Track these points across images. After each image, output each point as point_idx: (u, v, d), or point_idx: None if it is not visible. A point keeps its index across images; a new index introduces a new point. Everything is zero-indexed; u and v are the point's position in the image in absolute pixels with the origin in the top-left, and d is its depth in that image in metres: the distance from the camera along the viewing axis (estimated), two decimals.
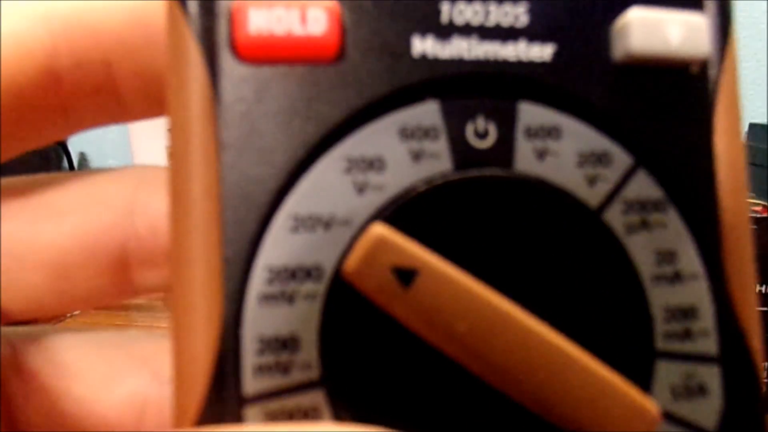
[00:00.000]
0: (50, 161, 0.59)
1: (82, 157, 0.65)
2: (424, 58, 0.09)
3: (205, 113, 0.09)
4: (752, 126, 0.52)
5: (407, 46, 0.09)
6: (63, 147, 0.62)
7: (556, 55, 0.09)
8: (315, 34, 0.09)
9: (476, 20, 0.09)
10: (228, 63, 0.09)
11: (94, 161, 0.66)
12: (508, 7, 0.09)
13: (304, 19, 0.09)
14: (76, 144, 0.65)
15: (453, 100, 0.09)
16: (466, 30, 0.09)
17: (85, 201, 0.11)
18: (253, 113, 0.09)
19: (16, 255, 0.10)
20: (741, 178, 0.10)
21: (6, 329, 0.11)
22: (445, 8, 0.09)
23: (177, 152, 0.09)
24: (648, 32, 0.09)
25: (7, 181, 0.11)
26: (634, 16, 0.09)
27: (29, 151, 0.11)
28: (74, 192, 0.11)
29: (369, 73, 0.09)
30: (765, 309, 0.34)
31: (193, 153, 0.09)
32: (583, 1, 0.09)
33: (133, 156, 0.62)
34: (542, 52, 0.09)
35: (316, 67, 0.09)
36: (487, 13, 0.09)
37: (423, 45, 0.09)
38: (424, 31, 0.09)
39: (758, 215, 0.34)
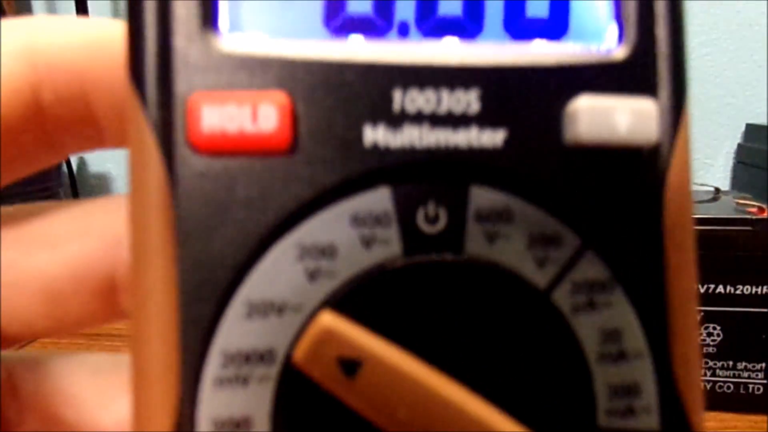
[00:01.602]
0: (50, 167, 0.59)
1: (81, 162, 0.65)
2: (375, 147, 0.09)
3: (161, 203, 0.09)
4: (749, 127, 0.52)
5: (359, 135, 0.09)
6: None
7: (508, 139, 0.09)
8: (266, 130, 0.09)
9: (428, 108, 0.09)
10: (183, 154, 0.09)
11: (93, 166, 0.66)
12: (460, 94, 0.09)
13: (255, 117, 0.09)
14: None
15: (404, 187, 0.09)
16: (418, 118, 0.09)
17: (77, 231, 0.11)
18: (209, 203, 0.09)
19: (13, 282, 0.11)
20: (690, 257, 0.10)
21: (2, 353, 0.12)
22: (397, 97, 0.09)
23: (136, 238, 0.09)
24: (596, 120, 0.09)
25: (6, 210, 0.12)
26: (583, 104, 0.09)
27: None
28: (66, 222, 0.11)
29: (321, 162, 0.09)
30: (765, 310, 0.34)
31: (150, 241, 0.09)
32: (534, 86, 0.09)
33: None
34: (493, 137, 0.09)
35: (269, 158, 0.09)
36: (439, 101, 0.09)
37: (374, 134, 0.09)
38: (375, 120, 0.09)
39: (754, 216, 0.34)
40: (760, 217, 0.34)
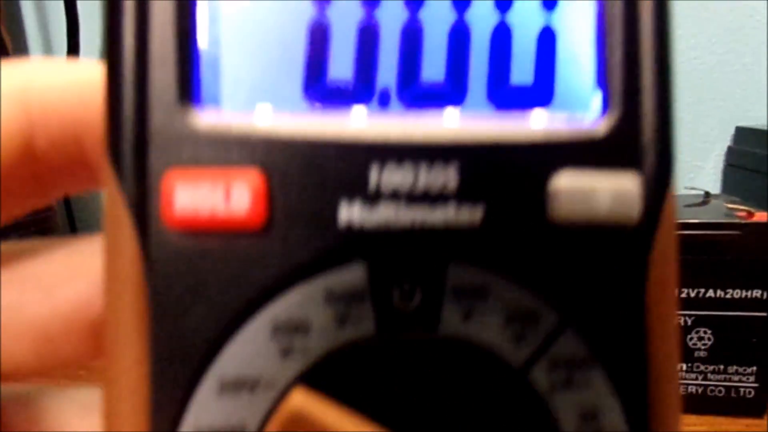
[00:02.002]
0: None
1: None
2: (350, 225, 0.09)
3: (135, 279, 0.09)
4: (739, 129, 0.52)
5: (334, 213, 0.09)
6: None
7: (486, 217, 0.09)
8: (238, 211, 0.09)
9: (405, 185, 0.09)
10: (157, 231, 0.09)
11: None
12: (438, 171, 0.09)
13: (228, 197, 0.09)
14: None
15: (380, 264, 0.09)
16: (394, 196, 0.09)
17: (67, 273, 0.11)
18: (182, 279, 0.09)
19: (3, 324, 0.11)
20: (673, 331, 0.10)
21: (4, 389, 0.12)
22: (373, 174, 0.09)
23: (110, 313, 0.09)
24: (576, 199, 0.09)
25: None
26: (563, 182, 0.09)
27: None
28: (57, 263, 0.11)
29: (295, 240, 0.09)
30: (755, 314, 0.34)
31: (123, 316, 0.09)
32: (514, 163, 0.09)
33: None
34: (471, 215, 0.09)
35: (244, 235, 0.09)
36: (416, 178, 0.09)
37: (349, 213, 0.09)
38: (351, 199, 0.09)
39: (743, 221, 0.34)
40: (749, 221, 0.34)
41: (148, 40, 0.09)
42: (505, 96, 0.10)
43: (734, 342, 0.35)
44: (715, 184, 0.55)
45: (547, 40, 0.10)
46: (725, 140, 0.53)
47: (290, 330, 0.09)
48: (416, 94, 0.10)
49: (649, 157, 0.09)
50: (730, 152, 0.53)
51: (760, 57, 0.51)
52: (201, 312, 0.09)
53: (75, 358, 0.12)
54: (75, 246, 0.12)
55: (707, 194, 0.41)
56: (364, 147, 0.09)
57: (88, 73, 0.11)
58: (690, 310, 0.35)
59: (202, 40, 0.09)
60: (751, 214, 0.35)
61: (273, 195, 0.09)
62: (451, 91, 0.10)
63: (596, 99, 0.10)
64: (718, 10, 0.51)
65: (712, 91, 0.53)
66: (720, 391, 0.36)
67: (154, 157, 0.09)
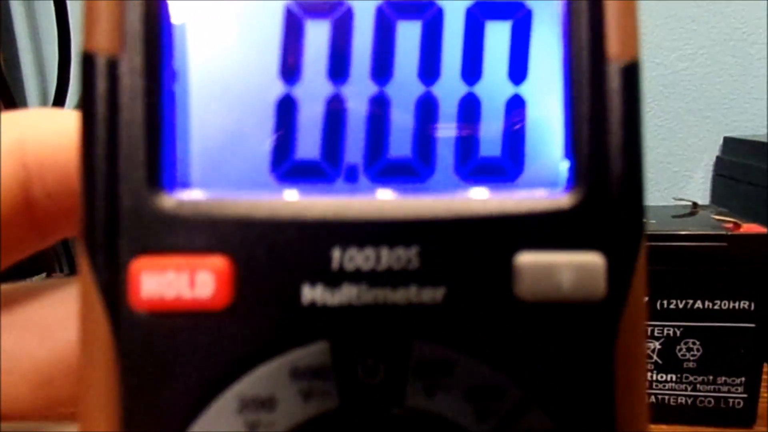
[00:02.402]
0: None
1: None
2: (313, 305, 0.09)
3: (106, 359, 0.09)
4: (727, 140, 0.53)
5: (297, 294, 0.09)
6: None
7: (448, 295, 0.09)
8: (204, 296, 0.09)
9: (367, 266, 0.09)
10: (126, 314, 0.09)
11: None
12: (400, 251, 0.09)
13: (192, 283, 0.09)
14: None
15: (343, 341, 0.09)
16: (356, 276, 0.09)
17: (67, 316, 0.12)
18: (152, 359, 0.09)
19: (5, 368, 0.11)
20: (642, 398, 0.10)
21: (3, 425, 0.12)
22: (335, 255, 0.09)
23: (82, 391, 0.09)
24: (540, 276, 0.09)
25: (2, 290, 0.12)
26: (527, 259, 0.09)
27: None
28: (57, 307, 0.12)
29: (260, 320, 0.09)
30: (743, 325, 0.35)
31: (95, 395, 0.09)
32: (477, 241, 0.09)
33: None
34: (434, 293, 0.09)
35: (210, 315, 0.09)
36: (378, 258, 0.09)
37: (312, 293, 0.09)
38: (313, 280, 0.09)
39: (729, 232, 0.34)
40: (736, 232, 0.34)
41: (118, 125, 0.09)
42: (473, 169, 0.10)
43: (723, 353, 0.35)
44: (705, 193, 0.55)
45: (515, 112, 0.10)
46: (714, 150, 0.54)
47: (257, 406, 0.09)
48: (383, 170, 0.10)
49: (616, 233, 0.09)
50: (719, 162, 0.53)
51: (747, 68, 0.52)
52: (169, 390, 0.09)
53: (74, 398, 0.12)
54: (73, 287, 0.12)
55: (695, 205, 0.41)
56: (327, 228, 0.09)
57: None
58: (678, 321, 0.35)
59: (171, 122, 0.09)
60: (738, 226, 0.35)
61: (238, 278, 0.09)
62: (418, 166, 0.10)
63: (564, 173, 0.10)
64: (705, 22, 0.52)
65: (700, 102, 0.53)
66: (709, 402, 0.36)
67: (124, 242, 0.09)
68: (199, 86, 0.10)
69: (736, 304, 0.34)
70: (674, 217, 0.39)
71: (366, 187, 0.10)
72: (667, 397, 0.36)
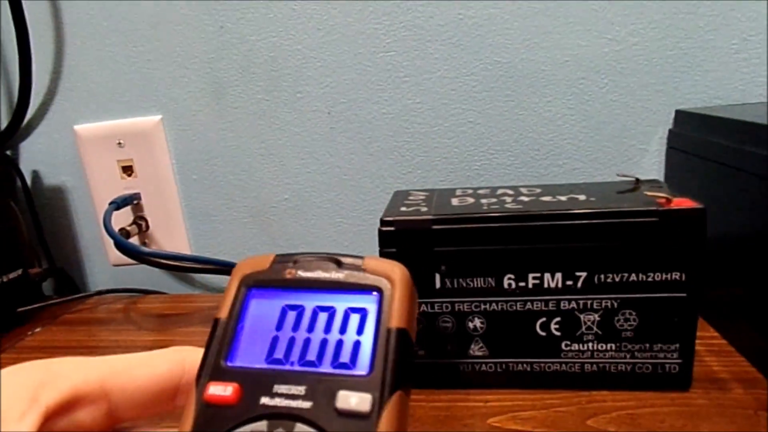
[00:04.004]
0: (2, 182, 0.60)
1: (35, 175, 0.66)
2: None
3: None
4: (679, 113, 0.54)
5: None
6: (15, 167, 0.63)
7: None
8: None
9: None
10: None
11: (48, 178, 0.66)
12: None
13: None
14: (28, 163, 0.66)
15: None
16: None
17: (161, 359, 0.21)
18: None
19: (127, 386, 0.20)
20: None
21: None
22: None
23: None
24: None
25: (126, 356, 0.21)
26: None
27: None
28: (156, 356, 0.21)
29: None
30: (676, 295, 0.36)
31: None
32: None
33: (85, 170, 0.63)
34: None
35: None
36: None
37: None
38: None
39: (660, 208, 0.36)
40: (666, 208, 0.36)
41: None
42: None
43: (658, 322, 0.37)
44: (660, 166, 0.56)
45: None
46: (667, 123, 0.55)
47: None
48: None
49: None
50: (672, 135, 0.55)
51: (697, 41, 0.53)
52: None
53: (158, 411, 0.20)
54: (159, 352, 0.21)
55: (638, 180, 0.43)
56: None
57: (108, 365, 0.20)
58: (616, 293, 0.37)
59: None
60: (669, 201, 0.37)
61: None
62: None
63: None
64: None
65: (651, 76, 0.54)
66: (647, 368, 0.38)
67: None
68: None
69: (669, 276, 0.36)
70: (619, 193, 0.40)
71: None
72: (607, 365, 0.38)
